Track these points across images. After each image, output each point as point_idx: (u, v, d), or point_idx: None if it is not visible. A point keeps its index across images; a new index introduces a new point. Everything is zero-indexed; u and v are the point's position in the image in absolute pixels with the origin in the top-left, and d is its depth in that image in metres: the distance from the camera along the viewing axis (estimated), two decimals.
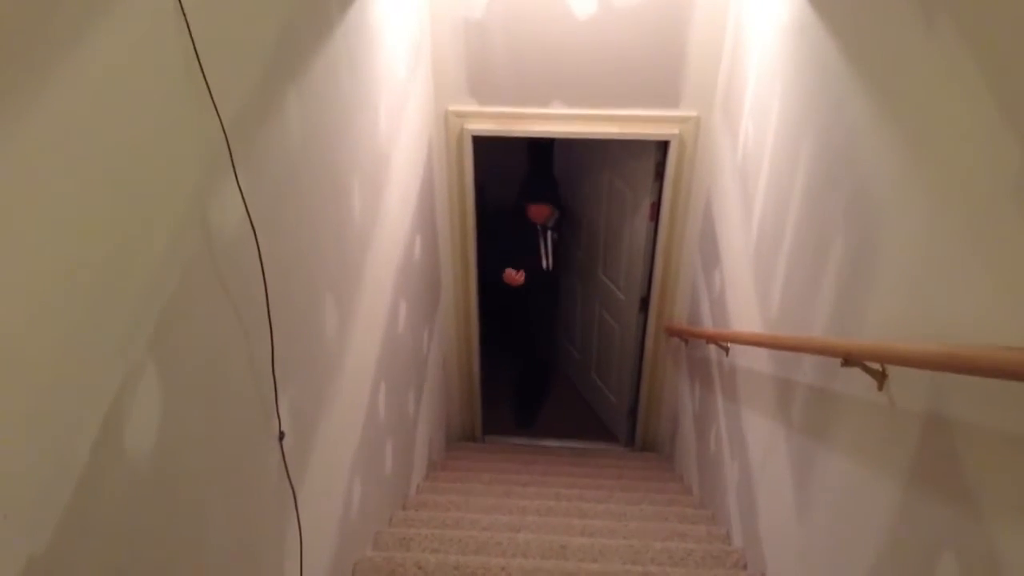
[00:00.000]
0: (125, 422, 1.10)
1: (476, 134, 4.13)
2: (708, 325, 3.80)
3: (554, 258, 4.71)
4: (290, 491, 1.81)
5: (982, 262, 1.24)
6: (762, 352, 2.66)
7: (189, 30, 1.22)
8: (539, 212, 4.55)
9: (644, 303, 4.71)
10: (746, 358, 2.94)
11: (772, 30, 2.80)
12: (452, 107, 4.04)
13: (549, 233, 4.63)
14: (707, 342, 3.62)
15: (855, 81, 1.89)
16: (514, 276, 4.56)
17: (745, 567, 2.70)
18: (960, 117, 1.34)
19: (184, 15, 1.21)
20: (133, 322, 1.12)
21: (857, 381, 1.70)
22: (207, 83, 1.29)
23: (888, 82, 1.70)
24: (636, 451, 5.24)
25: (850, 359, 1.70)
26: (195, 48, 1.25)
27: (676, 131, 4.01)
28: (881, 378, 1.61)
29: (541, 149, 5.27)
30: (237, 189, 1.43)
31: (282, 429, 1.74)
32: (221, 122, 1.34)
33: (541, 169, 4.70)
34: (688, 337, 4.26)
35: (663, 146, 4.13)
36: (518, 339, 5.33)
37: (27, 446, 0.90)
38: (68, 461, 0.98)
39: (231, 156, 1.39)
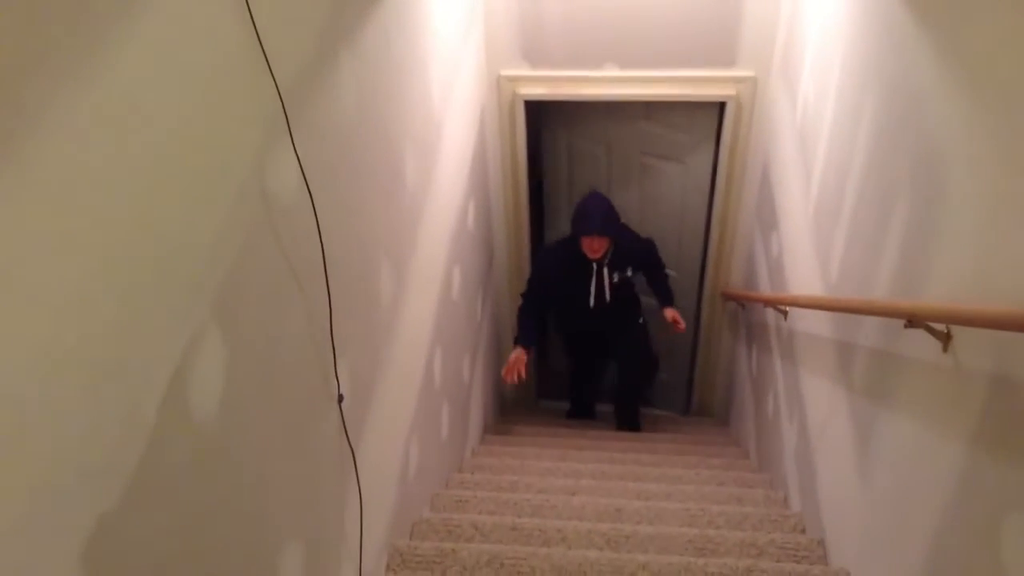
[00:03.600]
0: (190, 383, 1.12)
1: (528, 98, 4.11)
2: (766, 289, 3.75)
3: (612, 295, 3.92)
4: (350, 453, 1.84)
5: None
6: (822, 315, 2.61)
7: None
8: (593, 245, 3.72)
9: (700, 269, 4.66)
10: (805, 322, 2.89)
11: None
12: (504, 71, 4.02)
13: (606, 271, 3.86)
14: (765, 306, 3.57)
15: (924, 40, 1.83)
16: (511, 364, 3.79)
17: (804, 531, 2.68)
18: None
19: None
20: (196, 285, 1.14)
21: (921, 343, 1.67)
22: (263, 47, 1.30)
23: (958, 40, 1.63)
24: (692, 416, 5.21)
25: (914, 320, 1.66)
26: (250, 11, 1.25)
27: (733, 92, 3.93)
28: (946, 339, 1.57)
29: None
30: (294, 154, 1.45)
31: (341, 392, 1.77)
32: (277, 86, 1.35)
33: (598, 195, 3.80)
34: (745, 301, 4.20)
35: (719, 110, 4.06)
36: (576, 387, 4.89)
37: (96, 406, 0.93)
38: (136, 421, 1.01)
39: (287, 121, 1.40)
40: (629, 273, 3.94)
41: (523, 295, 4.02)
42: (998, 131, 1.41)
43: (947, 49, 1.68)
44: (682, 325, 4.03)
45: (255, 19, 1.26)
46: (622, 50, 3.89)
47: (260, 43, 1.29)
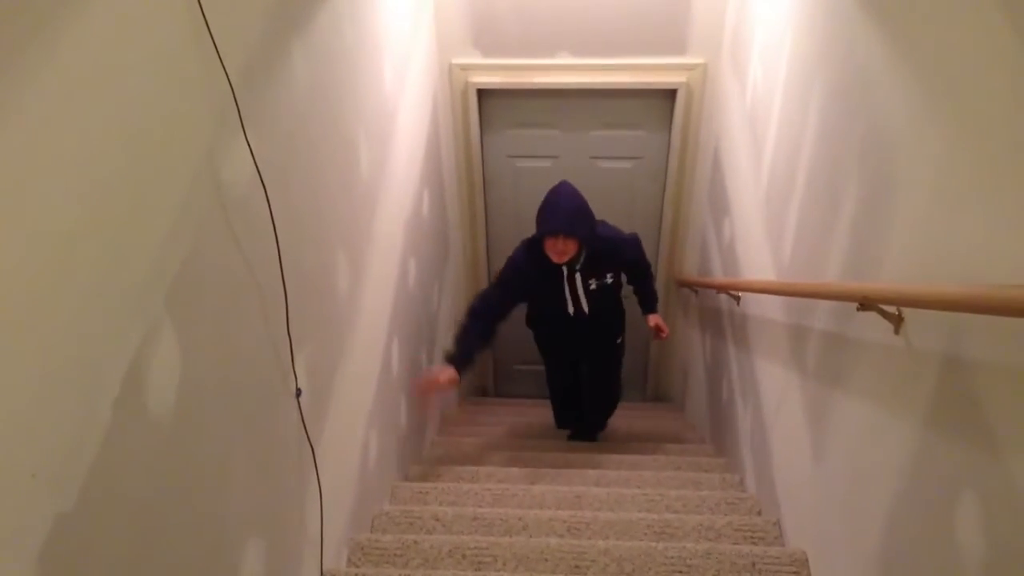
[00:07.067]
0: (145, 379, 1.10)
1: (481, 87, 4.09)
2: (719, 275, 3.79)
3: (591, 305, 3.25)
4: (309, 447, 1.82)
5: (999, 199, 1.22)
6: (775, 300, 2.65)
7: None
8: (557, 247, 2.96)
9: (654, 256, 4.69)
10: (758, 306, 2.93)
11: None
12: (456, 60, 4.00)
13: (578, 276, 3.15)
14: (718, 292, 3.61)
15: (868, 18, 1.86)
16: (430, 381, 3.08)
17: (760, 513, 2.72)
18: (976, 50, 1.31)
19: None
20: (149, 280, 1.12)
21: (873, 325, 1.70)
22: (212, 37, 1.27)
23: (904, 24, 1.66)
24: (648, 403, 5.26)
25: (866, 303, 1.69)
26: (199, 1, 1.22)
27: (683, 79, 3.97)
28: (898, 321, 1.60)
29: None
30: (246, 145, 1.42)
31: (299, 386, 1.75)
32: (228, 76, 1.33)
33: (566, 186, 3.00)
34: (698, 287, 4.25)
35: (670, 97, 4.08)
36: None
37: (50, 406, 0.90)
38: (91, 420, 0.98)
39: (239, 111, 1.38)
40: (610, 280, 3.22)
41: (480, 293, 3.28)
42: (943, 115, 1.43)
43: (893, 33, 1.71)
44: (666, 332, 3.49)
45: (203, 6, 1.23)
46: (575, 39, 3.90)
47: (209, 31, 1.26)
